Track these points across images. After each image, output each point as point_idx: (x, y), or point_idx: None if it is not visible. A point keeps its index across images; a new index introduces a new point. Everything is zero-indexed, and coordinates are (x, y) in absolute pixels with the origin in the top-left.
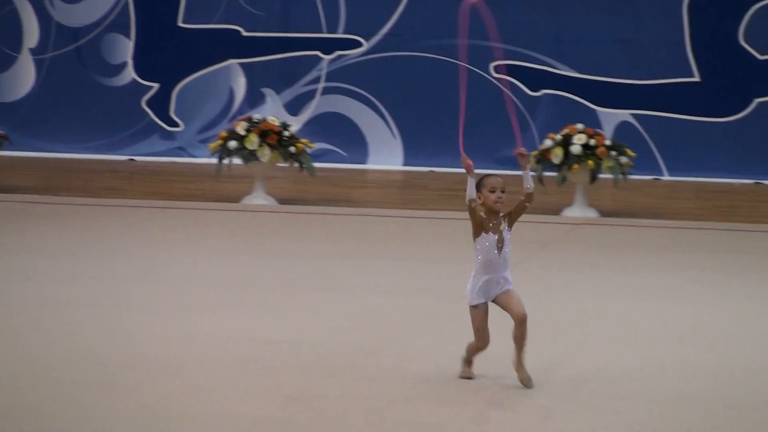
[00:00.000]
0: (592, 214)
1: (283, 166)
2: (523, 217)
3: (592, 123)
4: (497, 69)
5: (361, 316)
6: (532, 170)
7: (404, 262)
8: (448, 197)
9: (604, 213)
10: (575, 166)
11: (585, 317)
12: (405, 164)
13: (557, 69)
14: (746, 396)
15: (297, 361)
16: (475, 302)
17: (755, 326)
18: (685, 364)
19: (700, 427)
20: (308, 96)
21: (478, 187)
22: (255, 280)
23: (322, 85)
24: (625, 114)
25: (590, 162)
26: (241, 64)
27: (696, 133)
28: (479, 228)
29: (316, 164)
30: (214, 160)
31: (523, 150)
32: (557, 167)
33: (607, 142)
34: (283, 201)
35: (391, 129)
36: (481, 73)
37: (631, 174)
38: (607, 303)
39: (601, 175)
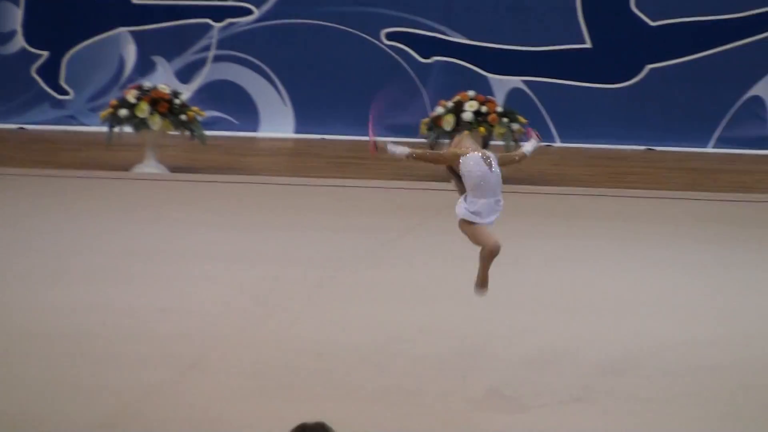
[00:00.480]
0: None
1: (174, 135)
2: (416, 184)
3: (484, 90)
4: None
5: (253, 285)
6: (533, 147)
7: (296, 230)
8: (340, 165)
9: None
10: (466, 132)
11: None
12: (296, 132)
13: (448, 36)
14: (627, 360)
15: (189, 330)
16: (474, 221)
17: (648, 292)
18: (570, 328)
19: (566, 387)
20: (199, 64)
21: (451, 143)
22: (145, 249)
23: (212, 53)
24: (516, 81)
25: (482, 129)
26: (132, 32)
27: (587, 99)
28: (453, 156)
29: (208, 132)
30: (104, 129)
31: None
32: (449, 134)
33: (499, 109)
34: (174, 169)
35: (282, 97)
36: (373, 40)
37: (522, 140)
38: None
39: (493, 142)
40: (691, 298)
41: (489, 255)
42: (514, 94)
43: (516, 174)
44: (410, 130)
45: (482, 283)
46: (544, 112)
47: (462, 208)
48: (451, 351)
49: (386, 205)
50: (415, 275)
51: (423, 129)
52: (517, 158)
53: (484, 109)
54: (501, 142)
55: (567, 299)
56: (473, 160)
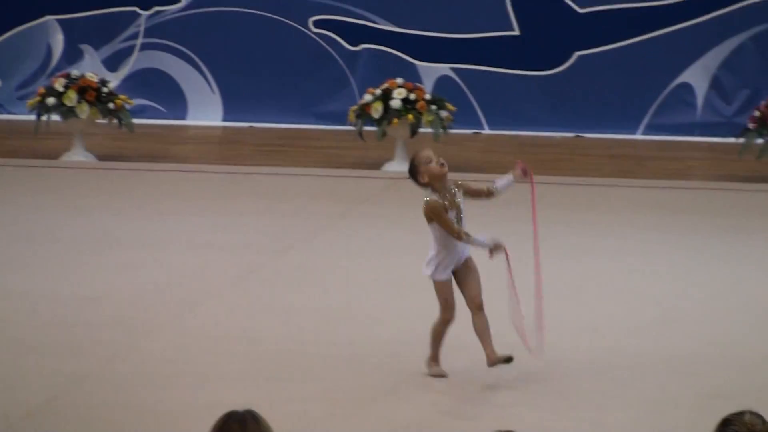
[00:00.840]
0: None
1: (102, 123)
2: (343, 171)
3: (412, 77)
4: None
5: (181, 272)
6: (503, 183)
7: (225, 217)
8: (268, 153)
9: None
10: (395, 120)
11: (403, 271)
12: (224, 120)
13: (376, 23)
14: (558, 346)
15: (117, 317)
16: (440, 278)
17: (573, 279)
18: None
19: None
20: (126, 52)
21: (416, 167)
22: (73, 237)
23: (140, 41)
24: (444, 68)
25: (410, 116)
26: (59, 20)
27: (516, 86)
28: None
29: (136, 120)
30: (32, 117)
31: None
32: (377, 122)
33: (427, 96)
34: (102, 157)
35: (210, 85)
36: (301, 28)
37: (451, 128)
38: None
39: (422, 129)
40: (633, 282)
41: (441, 328)
42: (442, 81)
43: (447, 162)
44: (338, 118)
45: (433, 360)
46: (472, 99)
47: (432, 264)
48: (380, 337)
49: (314, 193)
50: (344, 262)
51: (351, 116)
52: (484, 194)
53: (412, 96)
54: (430, 130)
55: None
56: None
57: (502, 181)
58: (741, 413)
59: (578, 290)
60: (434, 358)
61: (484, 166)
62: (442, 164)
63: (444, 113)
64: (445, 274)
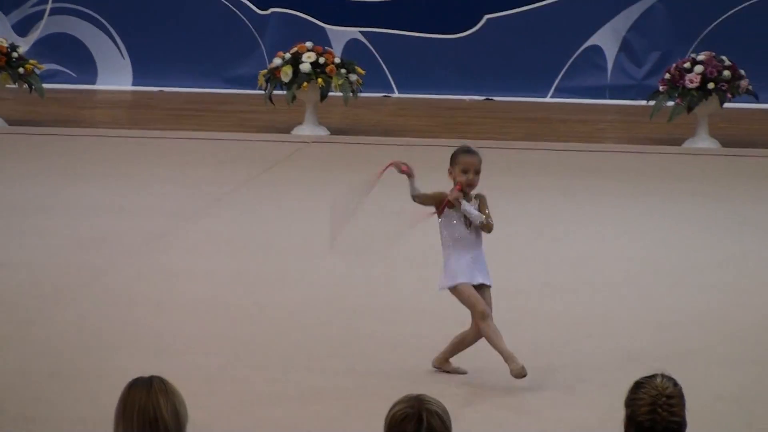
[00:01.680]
0: (322, 132)
1: (12, 88)
2: (253, 135)
3: (322, 41)
4: None
5: (92, 237)
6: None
7: (135, 181)
8: (177, 117)
9: (335, 131)
10: (305, 84)
11: (312, 234)
12: (134, 84)
13: None
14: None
15: (29, 283)
16: (458, 282)
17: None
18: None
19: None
20: (36, 17)
21: (452, 159)
22: None
23: (50, 5)
24: (354, 31)
25: (320, 80)
26: None
27: (425, 50)
28: (441, 204)
29: (46, 85)
30: None
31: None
32: (287, 86)
33: (337, 60)
34: (12, 122)
35: (120, 49)
36: None
37: (360, 91)
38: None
39: (331, 93)
40: (545, 246)
41: (478, 326)
42: (351, 45)
43: (353, 125)
44: (248, 82)
45: (512, 363)
46: (382, 62)
47: (448, 270)
48: (289, 300)
49: (224, 157)
50: (254, 225)
51: (261, 80)
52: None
53: (321, 60)
54: (339, 93)
55: (406, 251)
56: (456, 218)
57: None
58: (653, 376)
59: (489, 254)
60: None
61: (394, 129)
62: (470, 184)
63: (354, 77)
64: (463, 280)
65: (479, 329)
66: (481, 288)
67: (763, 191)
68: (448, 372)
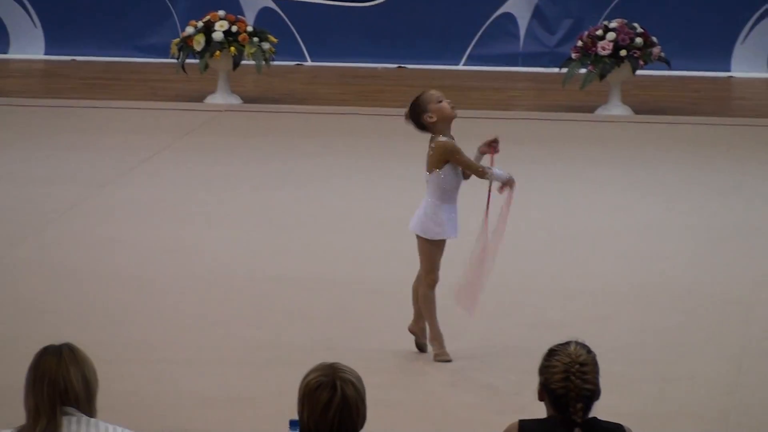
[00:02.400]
0: (235, 100)
1: None
2: (166, 104)
3: (234, 9)
4: None
5: (7, 206)
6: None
7: (47, 151)
8: (91, 86)
9: (247, 99)
10: (218, 53)
11: (225, 203)
12: (47, 53)
13: None
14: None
15: None
16: (445, 236)
17: (404, 210)
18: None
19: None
20: None
21: (422, 105)
22: None
23: None
24: (266, 0)
25: (232, 49)
26: None
27: (338, 17)
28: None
29: None
30: None
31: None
32: (199, 54)
33: (249, 29)
34: None
35: (32, 17)
36: None
37: (273, 60)
38: (246, 189)
39: (244, 62)
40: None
41: (429, 292)
42: (264, 13)
43: (266, 93)
44: (161, 51)
45: (438, 348)
46: (294, 30)
47: (434, 219)
48: (201, 268)
49: (137, 126)
50: (167, 194)
51: (173, 49)
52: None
53: (234, 28)
54: (252, 62)
55: (319, 216)
56: (456, 169)
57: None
58: (566, 343)
59: (398, 222)
60: (437, 337)
61: (307, 98)
62: (453, 106)
63: (266, 45)
64: (451, 234)
65: (420, 290)
66: None
67: (675, 157)
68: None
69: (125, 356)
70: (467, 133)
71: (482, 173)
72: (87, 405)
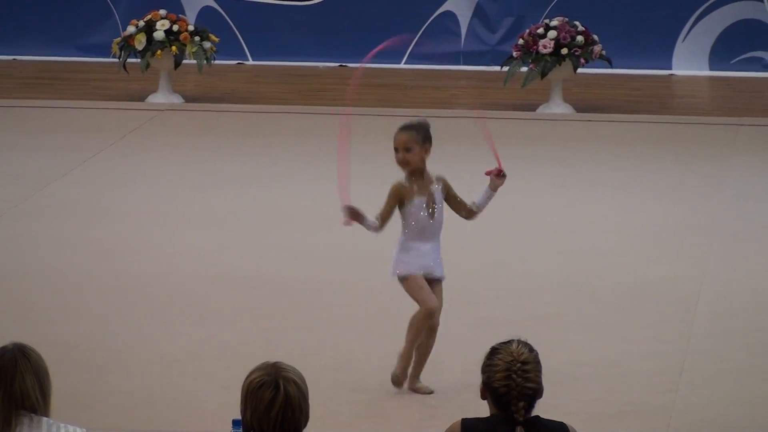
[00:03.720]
0: (176, 99)
1: None
2: (107, 103)
3: (175, 8)
4: None
5: None
6: (482, 197)
7: None
8: (31, 86)
9: (189, 98)
10: (159, 52)
11: (168, 203)
12: None
13: None
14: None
15: None
16: (408, 273)
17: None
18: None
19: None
20: None
21: (426, 136)
22: None
23: None
24: None
25: (174, 48)
26: None
27: (279, 16)
28: (401, 201)
29: None
30: None
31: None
32: (141, 53)
33: (191, 28)
34: None
35: None
36: None
37: (215, 59)
38: (188, 188)
39: (186, 61)
40: None
41: (420, 324)
42: (205, 12)
43: (207, 92)
44: (102, 50)
45: (400, 368)
46: (235, 29)
47: (396, 259)
48: (145, 268)
49: (79, 125)
50: (109, 194)
51: (115, 49)
52: (462, 214)
53: (175, 27)
54: (193, 61)
55: (261, 215)
56: (415, 205)
57: (480, 195)
58: (508, 342)
59: (339, 221)
60: (416, 375)
61: (249, 97)
62: (402, 161)
63: (207, 44)
64: (414, 271)
65: (420, 324)
66: (434, 282)
67: (617, 155)
68: (418, 392)
69: (56, 355)
70: None
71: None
72: (43, 407)
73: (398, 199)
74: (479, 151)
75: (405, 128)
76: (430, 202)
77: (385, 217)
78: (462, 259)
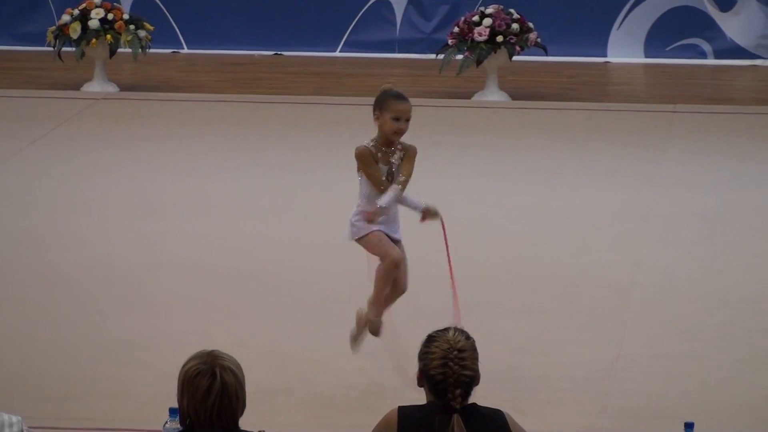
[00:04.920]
0: (111, 88)
1: None
2: (42, 92)
3: None
4: None
5: None
6: (412, 202)
7: None
8: None
9: (124, 87)
10: (94, 41)
11: (103, 191)
12: None
13: None
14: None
15: None
16: (364, 232)
17: (268, 197)
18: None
19: None
20: None
21: (380, 103)
22: None
23: None
24: None
25: (109, 36)
26: None
27: (214, 5)
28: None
29: None
30: None
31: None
32: (76, 42)
33: (126, 16)
34: None
35: None
36: None
37: (150, 48)
38: (123, 177)
39: (121, 50)
40: (330, 201)
41: (385, 278)
42: (140, 1)
43: (143, 81)
44: (37, 39)
45: (375, 314)
46: (170, 18)
47: (351, 222)
48: (82, 257)
49: (14, 114)
50: (44, 183)
51: (49, 37)
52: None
53: (110, 16)
54: (128, 50)
55: (197, 204)
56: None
57: (413, 200)
58: (445, 330)
59: (274, 209)
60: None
61: (184, 86)
62: (398, 131)
63: (142, 33)
64: (369, 228)
65: (387, 272)
66: (394, 242)
67: (552, 143)
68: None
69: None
70: (345, 120)
71: (382, 188)
72: None
73: (368, 159)
74: (416, 140)
75: (404, 98)
76: (390, 174)
77: (384, 183)
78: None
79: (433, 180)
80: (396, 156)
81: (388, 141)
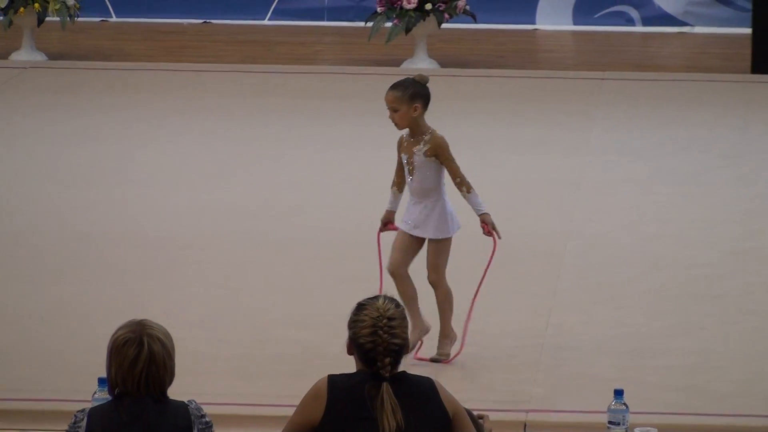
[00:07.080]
0: (40, 57)
1: None
2: None
3: None
4: None
5: None
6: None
7: None
8: None
9: (52, 56)
10: (21, 9)
11: (41, 159)
12: None
13: None
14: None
15: None
16: (456, 228)
17: (215, 165)
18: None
19: None
20: None
21: (414, 94)
22: None
23: None
24: None
25: (36, 5)
26: None
27: None
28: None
29: None
30: None
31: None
32: (3, 11)
33: None
34: None
35: None
36: None
37: (78, 16)
38: (52, 146)
39: (49, 18)
40: (270, 168)
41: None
42: None
43: (71, 50)
44: None
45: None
46: None
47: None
48: (11, 227)
49: None
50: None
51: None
52: (457, 181)
53: None
54: (57, 18)
55: (125, 172)
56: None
57: (476, 201)
58: (375, 298)
59: (204, 177)
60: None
61: (113, 54)
62: (390, 118)
63: (71, 1)
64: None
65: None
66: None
67: (481, 111)
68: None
69: None
70: (274, 88)
71: (460, 182)
72: None
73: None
74: (345, 108)
75: (392, 87)
76: (411, 161)
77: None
78: (327, 216)
79: (360, 148)
80: (420, 147)
81: (412, 131)
